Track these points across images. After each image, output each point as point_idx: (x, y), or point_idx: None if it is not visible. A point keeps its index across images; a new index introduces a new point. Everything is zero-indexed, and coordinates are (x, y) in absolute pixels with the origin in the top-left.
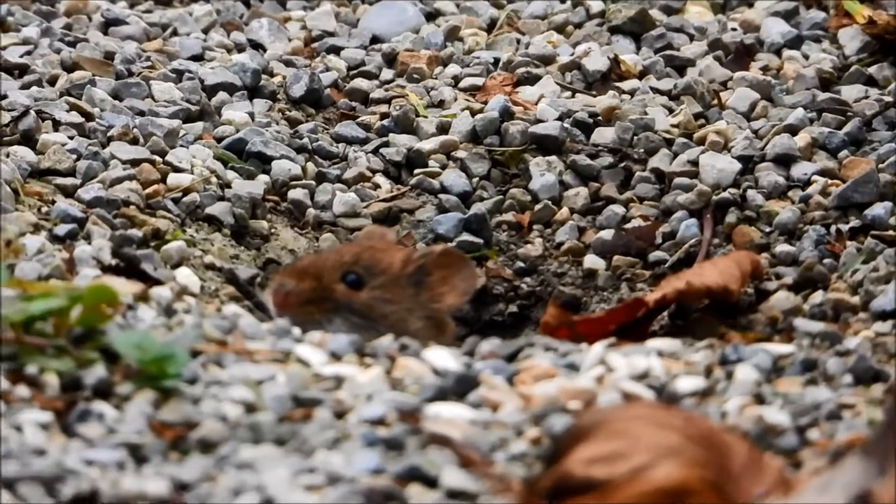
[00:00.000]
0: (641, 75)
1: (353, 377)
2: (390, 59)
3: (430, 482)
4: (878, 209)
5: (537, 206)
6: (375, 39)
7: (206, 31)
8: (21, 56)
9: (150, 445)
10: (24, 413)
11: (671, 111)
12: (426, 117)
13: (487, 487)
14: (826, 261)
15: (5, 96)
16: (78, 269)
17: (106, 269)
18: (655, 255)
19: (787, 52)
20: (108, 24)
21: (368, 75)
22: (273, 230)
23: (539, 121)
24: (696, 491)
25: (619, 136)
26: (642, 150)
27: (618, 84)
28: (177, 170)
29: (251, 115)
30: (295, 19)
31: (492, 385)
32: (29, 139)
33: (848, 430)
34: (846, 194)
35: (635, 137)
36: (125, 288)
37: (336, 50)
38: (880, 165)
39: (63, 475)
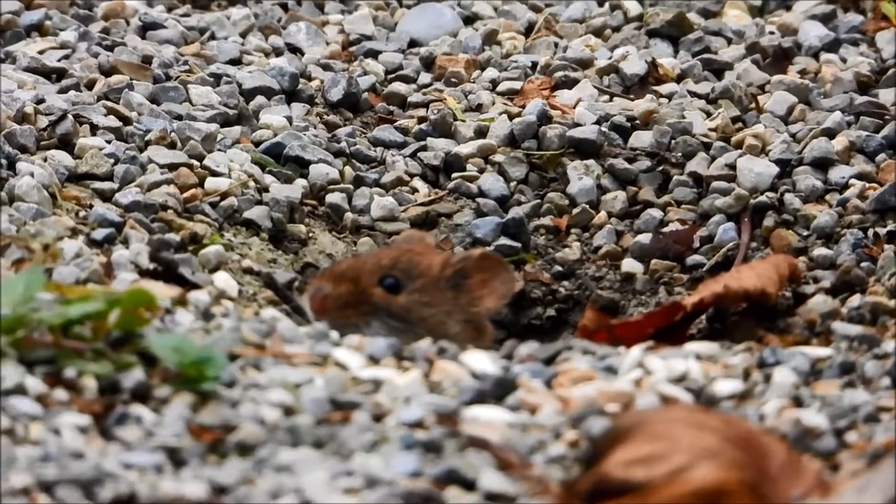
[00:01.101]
0: (679, 79)
1: (391, 380)
2: (428, 63)
3: (469, 485)
4: None
5: (575, 210)
6: (413, 43)
7: (243, 34)
8: (59, 60)
9: (188, 448)
10: (62, 416)
11: (709, 115)
12: (464, 121)
13: (526, 490)
14: (864, 264)
15: (43, 100)
16: (115, 273)
17: (143, 273)
18: (693, 258)
19: (824, 56)
20: (145, 28)
21: (406, 79)
22: (311, 234)
23: (577, 124)
24: (734, 493)
25: (657, 140)
26: (680, 154)
27: (655, 88)
28: (214, 174)
29: (289, 119)
30: (333, 23)
31: (530, 388)
32: (66, 143)
33: (885, 433)
34: (884, 198)
35: (673, 141)
36: (163, 292)
37: (374, 54)
38: None
39: (101, 478)
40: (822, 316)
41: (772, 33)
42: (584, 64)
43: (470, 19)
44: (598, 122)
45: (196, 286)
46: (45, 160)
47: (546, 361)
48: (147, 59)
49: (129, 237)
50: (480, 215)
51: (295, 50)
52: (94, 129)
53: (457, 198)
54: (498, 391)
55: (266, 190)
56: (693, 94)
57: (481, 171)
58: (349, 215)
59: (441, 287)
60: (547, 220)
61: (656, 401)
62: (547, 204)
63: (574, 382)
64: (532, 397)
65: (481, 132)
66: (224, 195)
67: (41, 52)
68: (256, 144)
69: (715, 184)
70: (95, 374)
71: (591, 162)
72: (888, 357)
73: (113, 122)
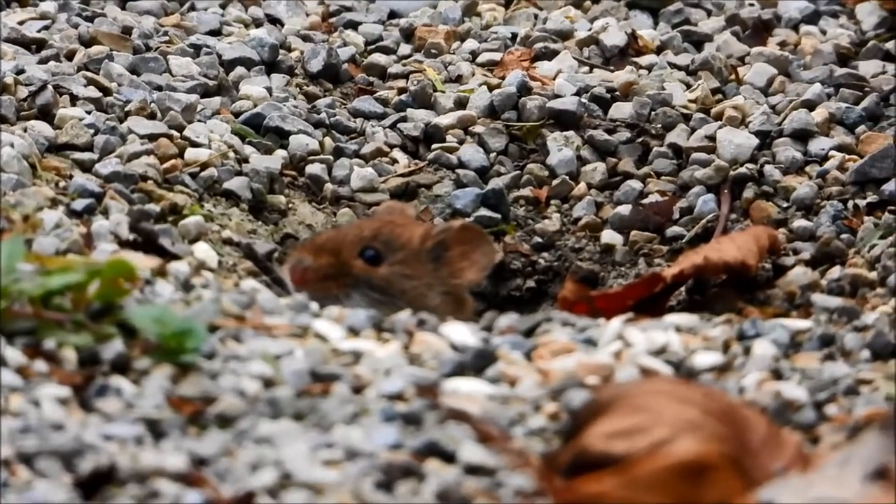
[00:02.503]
0: (659, 50)
1: (371, 352)
2: (408, 35)
3: (449, 457)
4: None
5: (555, 182)
6: (393, 14)
7: (223, 5)
8: (39, 31)
9: (168, 420)
10: (42, 388)
11: (689, 86)
12: (444, 92)
13: (506, 462)
14: (843, 236)
15: (23, 71)
16: (95, 243)
17: (123, 244)
18: (673, 230)
19: (804, 28)
20: None
21: (386, 50)
22: (291, 205)
23: (557, 96)
24: (715, 466)
25: (637, 112)
26: (660, 126)
27: (635, 59)
28: (194, 144)
29: (269, 89)
30: None
31: (510, 360)
32: (46, 114)
33: (866, 406)
34: (863, 169)
35: (653, 113)
36: (143, 263)
37: (354, 25)
38: None
39: (81, 450)
40: (802, 288)
41: (751, 5)
42: (564, 35)
43: None
44: (577, 94)
45: (176, 257)
46: (25, 130)
47: (526, 333)
48: (127, 30)
49: (109, 208)
50: (460, 186)
51: (275, 21)
52: (74, 99)
53: (436, 169)
54: (478, 363)
55: (246, 161)
56: (673, 66)
57: (461, 142)
58: (329, 186)
59: (421, 259)
60: (527, 192)
61: (636, 373)
62: (527, 175)
63: (554, 355)
64: (512, 369)
65: (461, 103)
66: (204, 166)
67: (21, 23)
68: (236, 115)
69: (695, 155)
70: (75, 346)
71: (570, 133)
72: (868, 329)
73: (93, 92)
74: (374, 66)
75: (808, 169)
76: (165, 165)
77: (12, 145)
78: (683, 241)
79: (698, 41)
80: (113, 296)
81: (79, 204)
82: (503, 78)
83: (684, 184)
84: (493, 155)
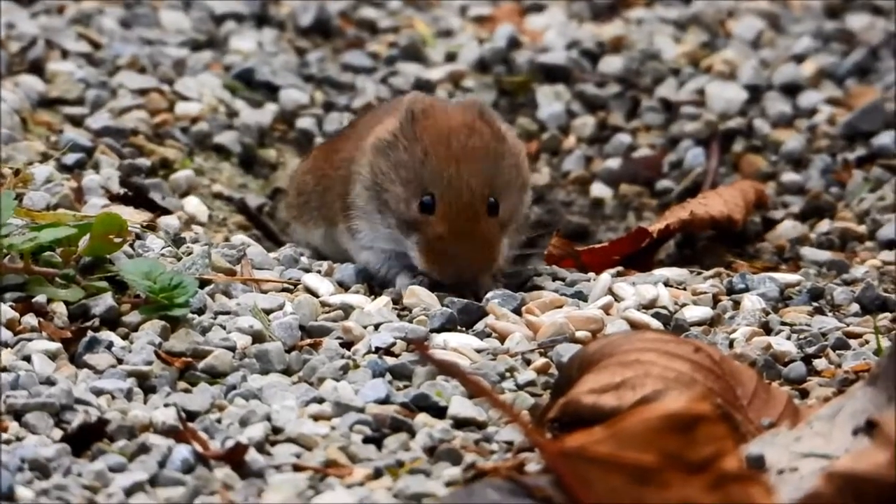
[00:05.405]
0: (648, 4)
1: (361, 306)
2: None
3: (438, 411)
4: (885, 138)
5: (545, 135)
6: None
7: None
8: None
9: (158, 375)
10: (32, 342)
11: (678, 40)
12: (434, 46)
13: (495, 416)
14: (832, 189)
15: (14, 25)
16: (86, 198)
17: (114, 198)
18: (662, 184)
19: None
20: None
21: (376, 4)
22: (281, 159)
23: (546, 50)
24: (705, 419)
25: (627, 66)
26: (649, 80)
27: (625, 13)
28: (185, 99)
29: (259, 44)
30: None
31: (499, 314)
32: (37, 68)
33: (855, 359)
34: (853, 123)
35: (642, 67)
36: (133, 217)
37: None
38: (886, 94)
39: (71, 404)
40: (791, 241)
41: None
42: None
43: None
44: (567, 48)
45: (167, 211)
46: (17, 85)
47: (515, 287)
48: None
49: (100, 162)
50: None
51: None
52: (66, 54)
53: None
54: (467, 318)
55: (236, 115)
56: (662, 20)
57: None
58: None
59: None
60: None
61: (626, 327)
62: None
63: (543, 309)
64: (501, 324)
65: (451, 57)
66: (194, 120)
67: None
68: (227, 69)
69: (684, 109)
70: (65, 301)
71: (560, 87)
72: (857, 283)
73: (84, 47)
74: (365, 20)
75: (797, 123)
76: (156, 120)
77: (3, 100)
78: (673, 194)
79: None
80: (103, 250)
81: (69, 158)
82: (493, 32)
83: (673, 138)
84: None
